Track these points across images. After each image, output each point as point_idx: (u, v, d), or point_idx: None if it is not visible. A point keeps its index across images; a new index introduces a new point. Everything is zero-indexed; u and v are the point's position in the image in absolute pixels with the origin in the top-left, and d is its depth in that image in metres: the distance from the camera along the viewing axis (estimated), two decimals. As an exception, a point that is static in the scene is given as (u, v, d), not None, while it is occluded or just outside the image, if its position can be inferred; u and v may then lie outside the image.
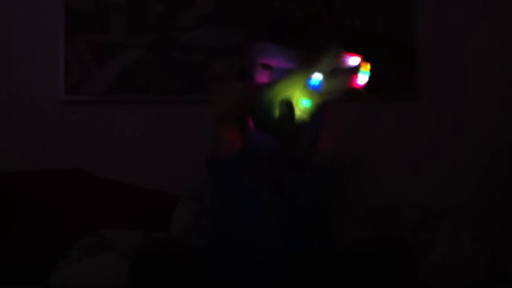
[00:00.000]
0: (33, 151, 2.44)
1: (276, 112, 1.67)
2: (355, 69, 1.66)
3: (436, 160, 2.59)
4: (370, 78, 1.67)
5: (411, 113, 2.61)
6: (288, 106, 1.66)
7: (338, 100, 1.68)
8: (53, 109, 2.48)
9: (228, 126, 1.76)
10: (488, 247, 2.13)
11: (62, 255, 1.99)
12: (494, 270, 2.08)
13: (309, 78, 1.64)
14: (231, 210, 1.74)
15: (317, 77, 1.63)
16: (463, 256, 2.07)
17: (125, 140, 2.49)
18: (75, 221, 2.17)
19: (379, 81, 2.56)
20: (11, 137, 2.44)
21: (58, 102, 2.48)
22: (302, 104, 1.66)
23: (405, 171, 2.54)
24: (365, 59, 1.67)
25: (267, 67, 1.82)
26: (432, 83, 2.64)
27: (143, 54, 2.51)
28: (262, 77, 1.82)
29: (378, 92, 2.51)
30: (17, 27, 2.50)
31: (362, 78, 1.66)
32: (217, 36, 2.54)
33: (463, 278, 2.04)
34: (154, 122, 2.50)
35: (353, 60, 1.66)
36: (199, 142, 2.31)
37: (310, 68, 1.65)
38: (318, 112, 1.70)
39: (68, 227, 2.14)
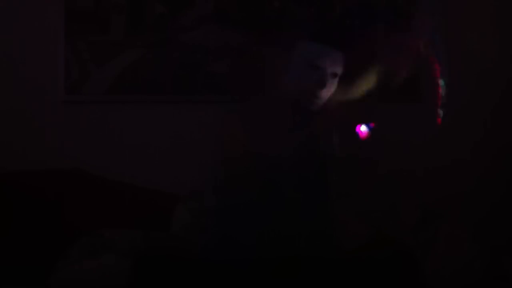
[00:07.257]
0: (33, 151, 2.44)
1: None
2: None
3: (436, 160, 2.59)
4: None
5: (411, 113, 2.61)
6: None
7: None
8: (53, 109, 2.48)
9: None
10: (488, 247, 2.13)
11: (62, 256, 1.99)
12: (494, 270, 2.08)
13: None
14: (239, 214, 1.73)
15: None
16: (463, 256, 2.07)
17: (125, 140, 2.49)
18: (74, 221, 2.16)
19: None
20: (11, 137, 2.44)
21: (58, 102, 2.48)
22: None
23: (405, 171, 2.53)
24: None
25: (315, 68, 1.80)
26: (432, 83, 2.63)
27: (143, 54, 2.51)
28: (307, 78, 1.80)
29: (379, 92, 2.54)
30: (17, 27, 2.50)
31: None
32: (217, 36, 2.54)
33: (463, 278, 2.04)
34: (154, 122, 2.50)
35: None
36: (199, 142, 2.31)
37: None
38: None
39: (68, 227, 2.14)
